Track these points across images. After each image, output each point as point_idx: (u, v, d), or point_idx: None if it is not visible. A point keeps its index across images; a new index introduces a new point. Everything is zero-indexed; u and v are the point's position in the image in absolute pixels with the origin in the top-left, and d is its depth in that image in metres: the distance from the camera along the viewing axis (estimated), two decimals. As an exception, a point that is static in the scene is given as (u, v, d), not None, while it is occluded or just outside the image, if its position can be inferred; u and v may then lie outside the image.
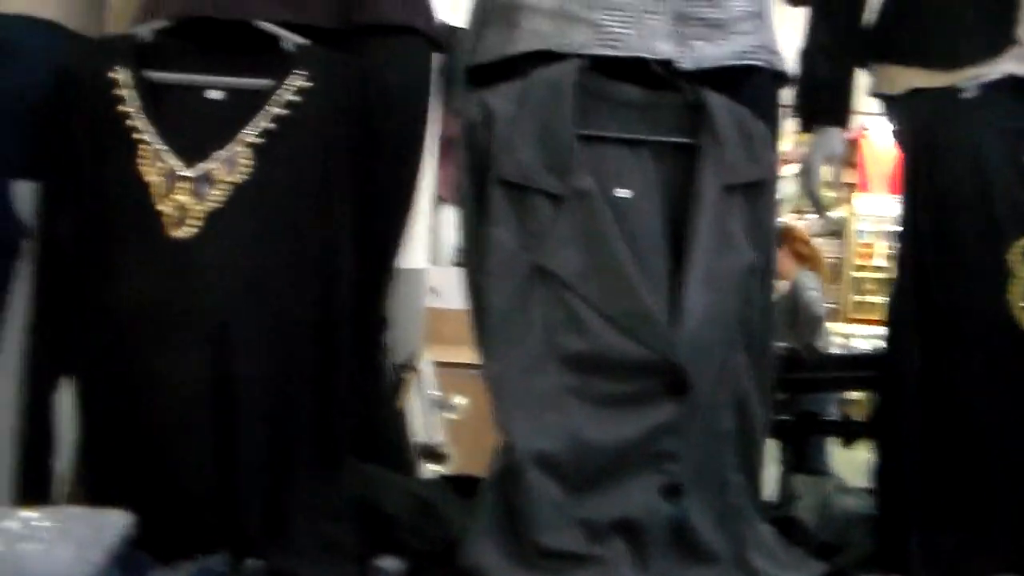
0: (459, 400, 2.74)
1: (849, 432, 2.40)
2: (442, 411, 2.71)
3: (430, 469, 2.29)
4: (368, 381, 1.66)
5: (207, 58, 1.62)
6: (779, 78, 1.87)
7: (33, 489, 1.56)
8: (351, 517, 1.52)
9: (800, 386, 2.55)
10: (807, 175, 2.14)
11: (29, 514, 1.34)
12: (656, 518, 1.47)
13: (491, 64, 1.76)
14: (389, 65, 1.67)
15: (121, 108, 1.56)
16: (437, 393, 2.68)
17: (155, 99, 1.58)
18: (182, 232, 1.52)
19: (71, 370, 1.58)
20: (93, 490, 1.54)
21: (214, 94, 1.60)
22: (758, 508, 1.59)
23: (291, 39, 1.60)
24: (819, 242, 6.89)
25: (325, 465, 1.53)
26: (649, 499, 1.48)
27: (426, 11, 1.74)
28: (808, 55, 2.11)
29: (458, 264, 3.18)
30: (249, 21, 1.61)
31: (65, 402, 1.59)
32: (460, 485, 1.69)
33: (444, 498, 1.64)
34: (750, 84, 1.78)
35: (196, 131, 1.56)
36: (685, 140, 1.62)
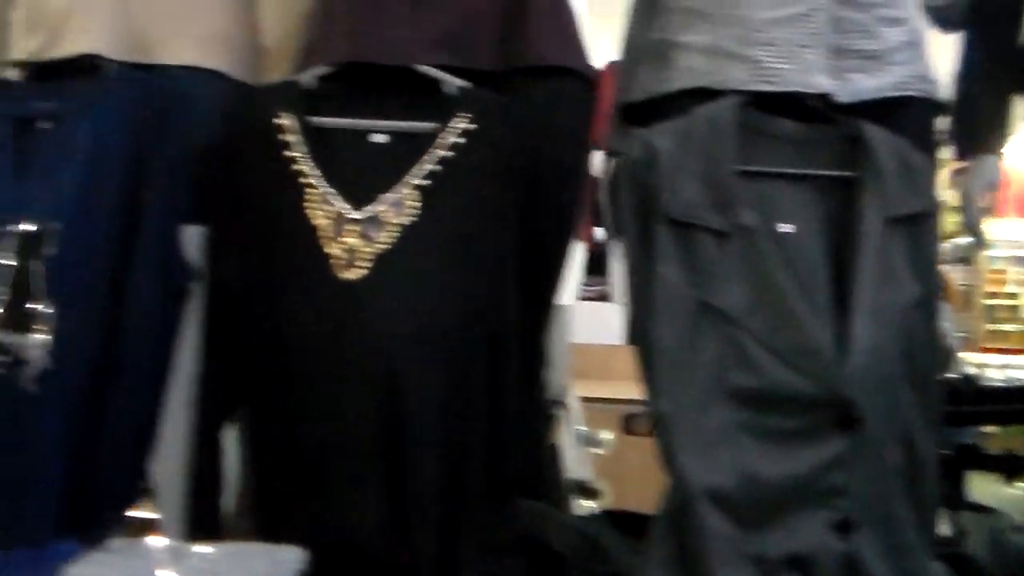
0: (606, 435, 2.74)
1: (1014, 467, 2.32)
2: (589, 447, 2.71)
3: (583, 505, 2.29)
4: (529, 417, 1.67)
5: (369, 102, 1.65)
6: (935, 107, 1.85)
7: (203, 525, 1.59)
8: (520, 554, 1.54)
9: (960, 420, 2.48)
10: (966, 204, 2.10)
11: (206, 549, 1.37)
12: (827, 554, 1.45)
13: (643, 102, 1.77)
14: (549, 106, 1.69)
15: (287, 153, 1.60)
16: (584, 428, 2.68)
17: (320, 143, 1.61)
18: (351, 274, 1.55)
19: (241, 410, 1.62)
20: (263, 527, 1.58)
21: (378, 137, 1.63)
22: (930, 545, 1.56)
23: (453, 82, 1.63)
24: (948, 269, 6.73)
25: (495, 502, 1.55)
26: (820, 535, 1.46)
27: (582, 52, 1.75)
28: (963, 82, 2.08)
29: (586, 299, 3.19)
30: (410, 66, 1.64)
31: (232, 440, 1.63)
32: (620, 521, 1.69)
33: (607, 534, 1.64)
34: (905, 114, 1.76)
35: (362, 174, 1.60)
36: (845, 173, 1.60)
